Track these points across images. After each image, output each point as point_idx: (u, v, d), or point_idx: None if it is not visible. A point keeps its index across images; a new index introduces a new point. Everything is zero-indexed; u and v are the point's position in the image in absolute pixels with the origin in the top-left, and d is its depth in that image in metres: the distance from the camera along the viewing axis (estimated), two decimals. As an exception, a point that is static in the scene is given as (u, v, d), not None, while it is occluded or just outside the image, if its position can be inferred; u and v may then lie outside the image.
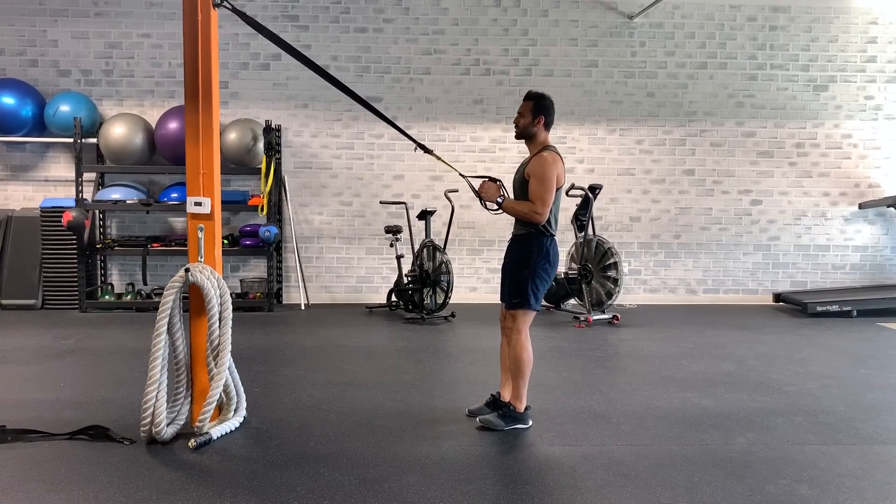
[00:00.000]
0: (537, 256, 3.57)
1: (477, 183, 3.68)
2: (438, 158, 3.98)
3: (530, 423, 3.66)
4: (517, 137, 3.73)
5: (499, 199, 3.58)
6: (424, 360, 5.22)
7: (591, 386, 4.46)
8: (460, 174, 3.95)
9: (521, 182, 3.61)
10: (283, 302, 7.62)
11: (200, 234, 3.48)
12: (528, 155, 3.71)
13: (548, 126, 3.64)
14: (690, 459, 3.22)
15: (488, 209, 3.71)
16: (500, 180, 3.65)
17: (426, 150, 3.95)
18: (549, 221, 3.58)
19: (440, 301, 6.67)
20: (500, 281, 3.79)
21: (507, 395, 3.75)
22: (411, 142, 3.97)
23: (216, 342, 3.40)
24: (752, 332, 6.29)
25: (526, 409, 3.65)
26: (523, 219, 3.58)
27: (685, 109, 7.85)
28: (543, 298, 7.41)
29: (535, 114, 3.60)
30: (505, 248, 3.77)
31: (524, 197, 3.57)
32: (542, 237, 3.59)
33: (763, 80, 7.87)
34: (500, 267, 3.79)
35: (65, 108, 7.03)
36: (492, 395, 3.82)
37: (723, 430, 3.64)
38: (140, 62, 7.48)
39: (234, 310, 3.53)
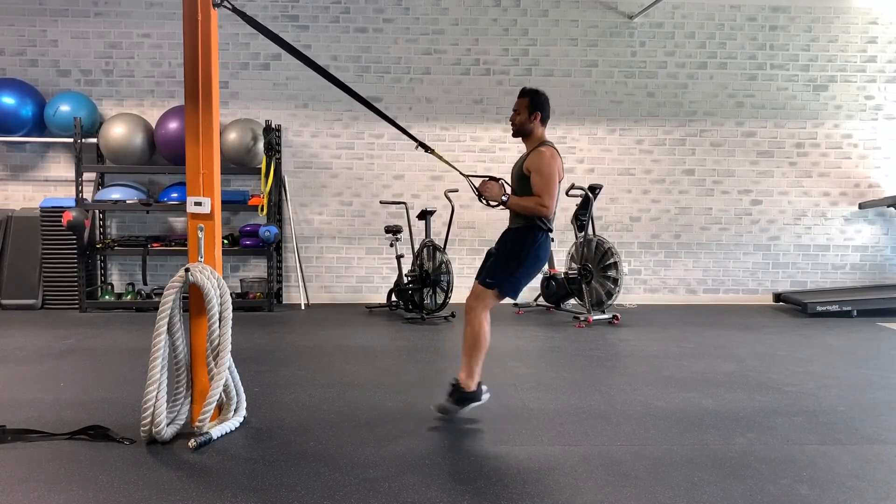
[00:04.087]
0: (528, 249, 3.59)
1: (477, 182, 3.70)
2: (440, 158, 3.98)
3: (485, 398, 3.71)
4: (514, 135, 3.78)
5: (503, 199, 3.59)
6: (424, 360, 5.22)
7: (591, 386, 4.46)
8: (461, 173, 3.96)
9: (521, 177, 3.63)
10: (283, 302, 7.63)
11: (200, 234, 3.48)
12: (525, 151, 3.73)
13: (544, 121, 3.69)
14: (690, 459, 3.22)
15: (490, 206, 3.71)
16: (501, 179, 3.67)
17: (427, 149, 3.95)
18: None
19: (440, 301, 6.68)
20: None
21: None
22: (412, 141, 3.97)
23: (216, 342, 3.40)
24: (752, 332, 6.28)
25: (479, 385, 3.67)
26: (529, 213, 3.57)
27: (685, 109, 7.86)
28: (543, 298, 7.32)
29: (532, 110, 3.65)
30: None
31: (522, 192, 3.59)
32: (537, 231, 3.60)
33: (763, 80, 7.87)
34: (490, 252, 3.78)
35: (65, 108, 7.03)
36: None
37: (723, 430, 3.64)
38: (140, 62, 7.49)
39: (234, 310, 3.52)
